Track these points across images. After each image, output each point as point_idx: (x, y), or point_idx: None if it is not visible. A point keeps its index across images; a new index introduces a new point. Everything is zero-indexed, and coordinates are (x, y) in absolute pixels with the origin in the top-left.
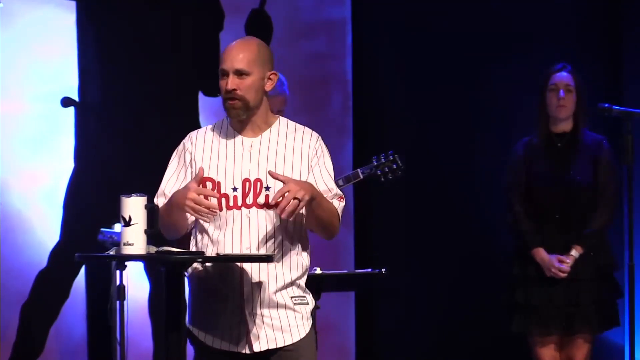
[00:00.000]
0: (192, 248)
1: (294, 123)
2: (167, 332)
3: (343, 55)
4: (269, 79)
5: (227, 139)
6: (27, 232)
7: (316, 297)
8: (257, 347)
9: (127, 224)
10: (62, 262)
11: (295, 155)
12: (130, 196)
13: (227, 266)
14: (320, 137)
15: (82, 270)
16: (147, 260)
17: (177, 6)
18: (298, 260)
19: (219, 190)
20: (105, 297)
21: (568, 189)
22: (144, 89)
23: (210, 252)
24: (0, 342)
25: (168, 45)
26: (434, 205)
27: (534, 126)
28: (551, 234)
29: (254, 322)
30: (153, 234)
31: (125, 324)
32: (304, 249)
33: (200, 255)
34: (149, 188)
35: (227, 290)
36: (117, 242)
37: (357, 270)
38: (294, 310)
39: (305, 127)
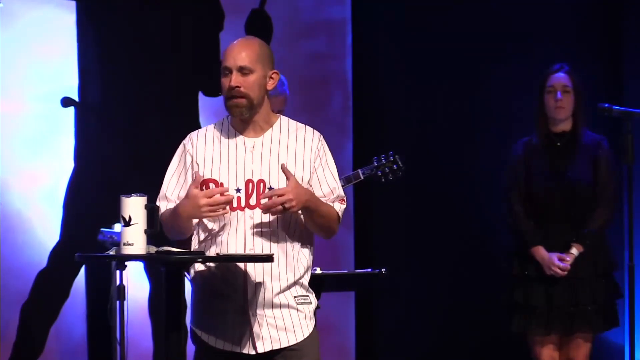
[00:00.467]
0: (195, 248)
1: (295, 122)
2: (167, 332)
3: (343, 55)
4: (271, 77)
5: (228, 140)
6: (27, 232)
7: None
8: (262, 347)
9: (127, 224)
10: (62, 262)
11: (298, 155)
12: (130, 196)
13: (232, 267)
14: (322, 136)
15: (82, 270)
16: (147, 260)
17: (177, 6)
18: (300, 259)
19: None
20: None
21: (567, 188)
22: (144, 89)
23: (213, 252)
24: (0, 342)
25: (168, 45)
26: (434, 205)
27: (533, 126)
28: (551, 234)
29: (258, 322)
30: (153, 234)
31: (125, 324)
32: (306, 247)
33: (200, 255)
34: (149, 188)
35: (231, 291)
36: (117, 242)
37: (357, 270)
38: (297, 309)
39: (307, 126)
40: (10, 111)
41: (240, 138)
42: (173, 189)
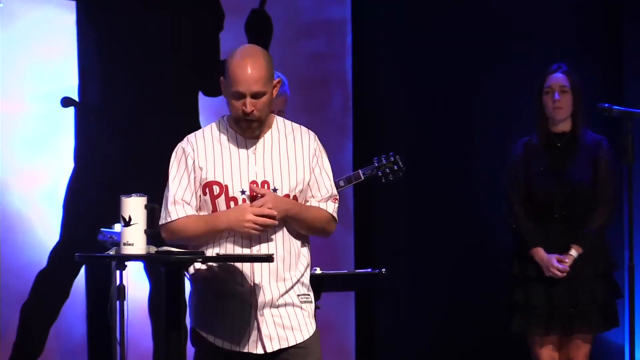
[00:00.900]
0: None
1: (289, 122)
2: (167, 332)
3: (343, 55)
4: (275, 87)
5: (229, 142)
6: (27, 232)
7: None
8: (270, 347)
9: (127, 224)
10: (62, 262)
11: (297, 156)
12: (130, 196)
13: (238, 267)
14: (316, 136)
15: (82, 270)
16: (147, 260)
17: (177, 6)
18: (301, 258)
19: (226, 194)
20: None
21: (567, 188)
22: (144, 89)
23: (217, 251)
24: (0, 342)
25: (168, 45)
26: (434, 205)
27: (533, 126)
28: (551, 234)
29: (266, 321)
30: (153, 234)
31: (125, 324)
32: (305, 246)
33: (200, 255)
34: (149, 188)
35: (237, 291)
36: (117, 242)
37: (357, 270)
38: (301, 308)
39: (302, 127)
40: (10, 111)
41: (241, 140)
42: (184, 192)
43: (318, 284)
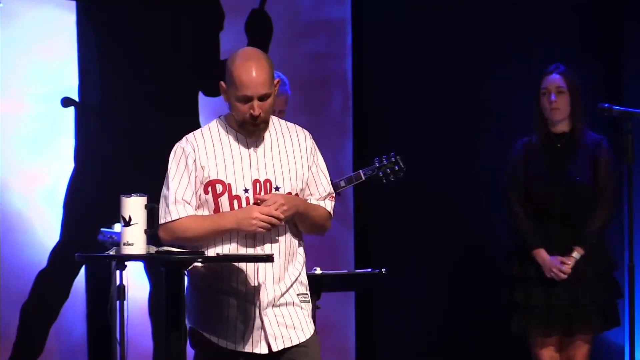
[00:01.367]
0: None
1: (283, 121)
2: (167, 332)
3: (343, 55)
4: (275, 86)
5: (229, 141)
6: (27, 232)
7: (316, 297)
8: (275, 346)
9: (127, 224)
10: (62, 262)
11: (296, 155)
12: (130, 196)
13: (241, 267)
14: (310, 134)
15: (82, 270)
16: (147, 260)
17: (177, 6)
18: (299, 257)
19: (230, 193)
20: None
21: (567, 188)
22: (144, 89)
23: (219, 251)
24: (0, 342)
25: (168, 45)
26: (434, 205)
27: (532, 128)
28: (550, 234)
29: (269, 321)
30: (153, 234)
31: (125, 324)
32: (301, 245)
33: (200, 255)
34: (149, 188)
35: (240, 291)
36: (117, 242)
37: (357, 270)
38: (301, 307)
39: (296, 125)
40: (10, 111)
41: (242, 139)
42: (184, 191)
43: (318, 284)
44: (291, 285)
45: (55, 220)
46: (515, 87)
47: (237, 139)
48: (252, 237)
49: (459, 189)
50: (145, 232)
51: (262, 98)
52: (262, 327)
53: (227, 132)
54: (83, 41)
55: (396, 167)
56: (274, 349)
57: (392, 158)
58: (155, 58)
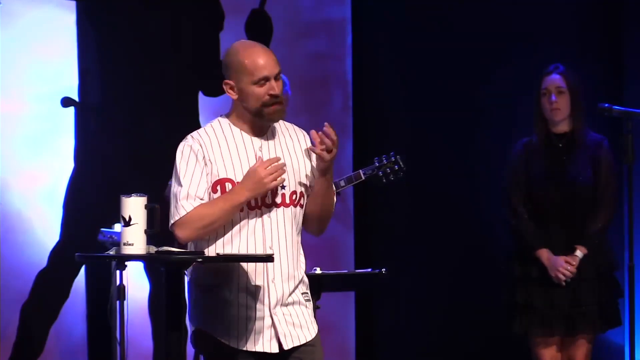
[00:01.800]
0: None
1: (282, 121)
2: (167, 332)
3: (343, 55)
4: None
5: (235, 140)
6: (27, 232)
7: (316, 297)
8: (286, 345)
9: (127, 224)
10: (62, 262)
11: (298, 154)
12: (130, 196)
13: (251, 266)
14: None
15: (82, 270)
16: (147, 260)
17: (177, 6)
18: (301, 257)
19: None
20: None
21: (568, 189)
22: (144, 89)
23: (229, 250)
24: (0, 342)
25: (168, 45)
26: (434, 205)
27: (533, 128)
28: (550, 234)
29: (279, 320)
30: (153, 234)
31: (125, 324)
32: (300, 245)
33: (200, 255)
34: (149, 188)
35: (251, 290)
36: (117, 242)
37: (357, 270)
38: (306, 306)
39: (293, 125)
40: (10, 111)
41: (247, 137)
42: (197, 187)
43: (318, 284)
44: (297, 285)
45: (55, 220)
46: (515, 87)
47: (242, 138)
48: (261, 236)
49: (459, 189)
50: (145, 232)
51: (276, 77)
52: (273, 325)
53: (231, 130)
54: (83, 41)
55: (396, 167)
56: (285, 348)
57: (392, 158)
58: (155, 58)
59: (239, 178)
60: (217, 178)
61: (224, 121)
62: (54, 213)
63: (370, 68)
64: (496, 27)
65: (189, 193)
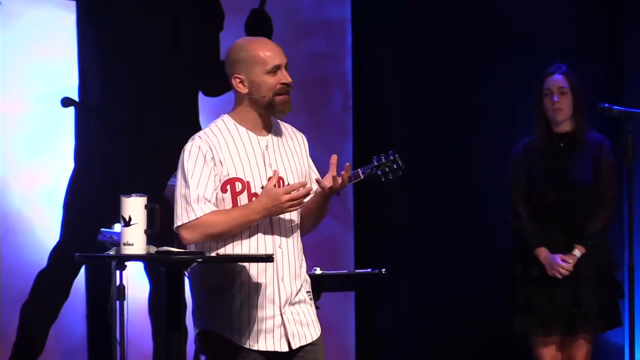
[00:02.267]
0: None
1: (279, 121)
2: (167, 332)
3: (343, 55)
4: None
5: (242, 139)
6: (27, 232)
7: (316, 297)
8: (294, 344)
9: (127, 224)
10: (62, 262)
11: (299, 154)
12: (130, 196)
13: (261, 267)
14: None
15: (82, 270)
16: (147, 260)
17: (177, 6)
18: (303, 256)
19: (249, 190)
20: (105, 297)
21: (569, 189)
22: (144, 89)
23: (238, 251)
24: (0, 342)
25: (168, 45)
26: (434, 205)
27: (533, 129)
28: (552, 234)
29: (288, 319)
30: (153, 234)
31: (125, 324)
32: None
33: (200, 255)
34: (149, 188)
35: (261, 289)
36: (117, 242)
37: (357, 270)
38: (310, 305)
39: (292, 126)
40: (10, 111)
41: (253, 137)
42: (205, 189)
43: (318, 284)
44: (302, 284)
45: (55, 220)
46: (516, 87)
47: (249, 137)
48: (270, 235)
49: (459, 189)
50: (145, 232)
51: (286, 67)
52: (283, 324)
53: (237, 129)
54: (83, 41)
55: (395, 166)
56: (294, 347)
57: (391, 156)
58: (155, 58)
59: (247, 177)
60: (227, 178)
61: (229, 120)
62: (54, 213)
63: (370, 68)
64: (496, 27)
65: (199, 195)
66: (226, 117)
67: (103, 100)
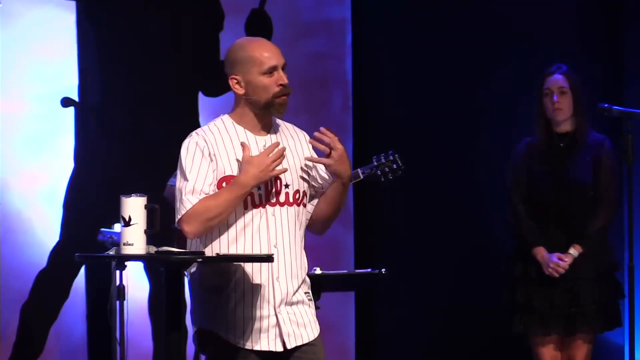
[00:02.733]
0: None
1: (281, 121)
2: (167, 332)
3: (343, 55)
4: None
5: (239, 138)
6: (27, 232)
7: (316, 297)
8: (289, 344)
9: (127, 224)
10: (62, 262)
11: (300, 153)
12: (130, 196)
13: (256, 267)
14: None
15: (82, 270)
16: (147, 260)
17: (177, 6)
18: (304, 256)
19: None
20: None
21: (569, 188)
22: (144, 89)
23: (234, 250)
24: (0, 342)
25: (168, 45)
26: (434, 205)
27: (533, 129)
28: (552, 234)
29: (284, 319)
30: (153, 234)
31: (125, 324)
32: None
33: (200, 255)
34: (149, 188)
35: (257, 289)
36: (117, 242)
37: (357, 270)
38: (309, 305)
39: (293, 125)
40: (10, 111)
41: (251, 136)
42: (203, 182)
43: (318, 284)
44: (301, 284)
45: (55, 220)
46: (516, 87)
47: (246, 137)
48: (266, 234)
49: (459, 189)
50: (145, 232)
51: (283, 67)
52: (277, 324)
53: (235, 129)
54: (83, 41)
55: (394, 166)
56: (288, 347)
57: (391, 156)
58: (155, 58)
59: None
60: (223, 175)
61: (227, 120)
62: (54, 213)
63: (370, 68)
64: (496, 27)
65: (195, 188)
66: (225, 117)
67: (103, 100)
